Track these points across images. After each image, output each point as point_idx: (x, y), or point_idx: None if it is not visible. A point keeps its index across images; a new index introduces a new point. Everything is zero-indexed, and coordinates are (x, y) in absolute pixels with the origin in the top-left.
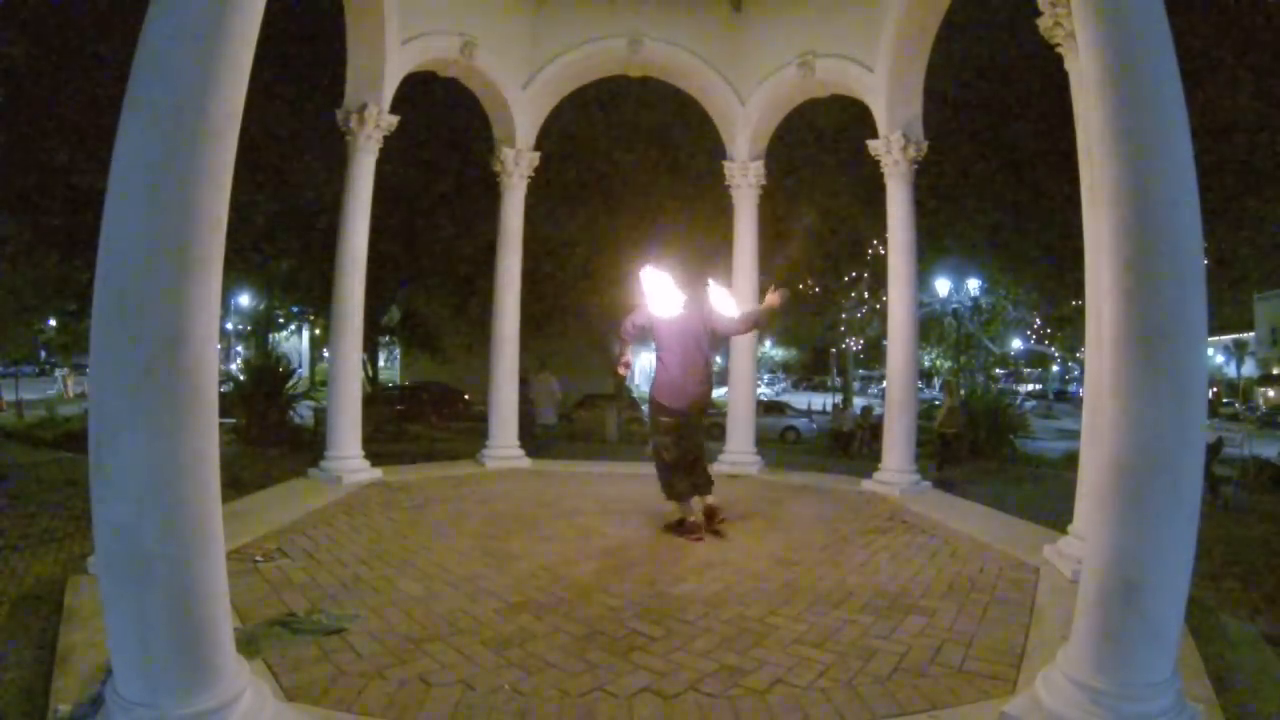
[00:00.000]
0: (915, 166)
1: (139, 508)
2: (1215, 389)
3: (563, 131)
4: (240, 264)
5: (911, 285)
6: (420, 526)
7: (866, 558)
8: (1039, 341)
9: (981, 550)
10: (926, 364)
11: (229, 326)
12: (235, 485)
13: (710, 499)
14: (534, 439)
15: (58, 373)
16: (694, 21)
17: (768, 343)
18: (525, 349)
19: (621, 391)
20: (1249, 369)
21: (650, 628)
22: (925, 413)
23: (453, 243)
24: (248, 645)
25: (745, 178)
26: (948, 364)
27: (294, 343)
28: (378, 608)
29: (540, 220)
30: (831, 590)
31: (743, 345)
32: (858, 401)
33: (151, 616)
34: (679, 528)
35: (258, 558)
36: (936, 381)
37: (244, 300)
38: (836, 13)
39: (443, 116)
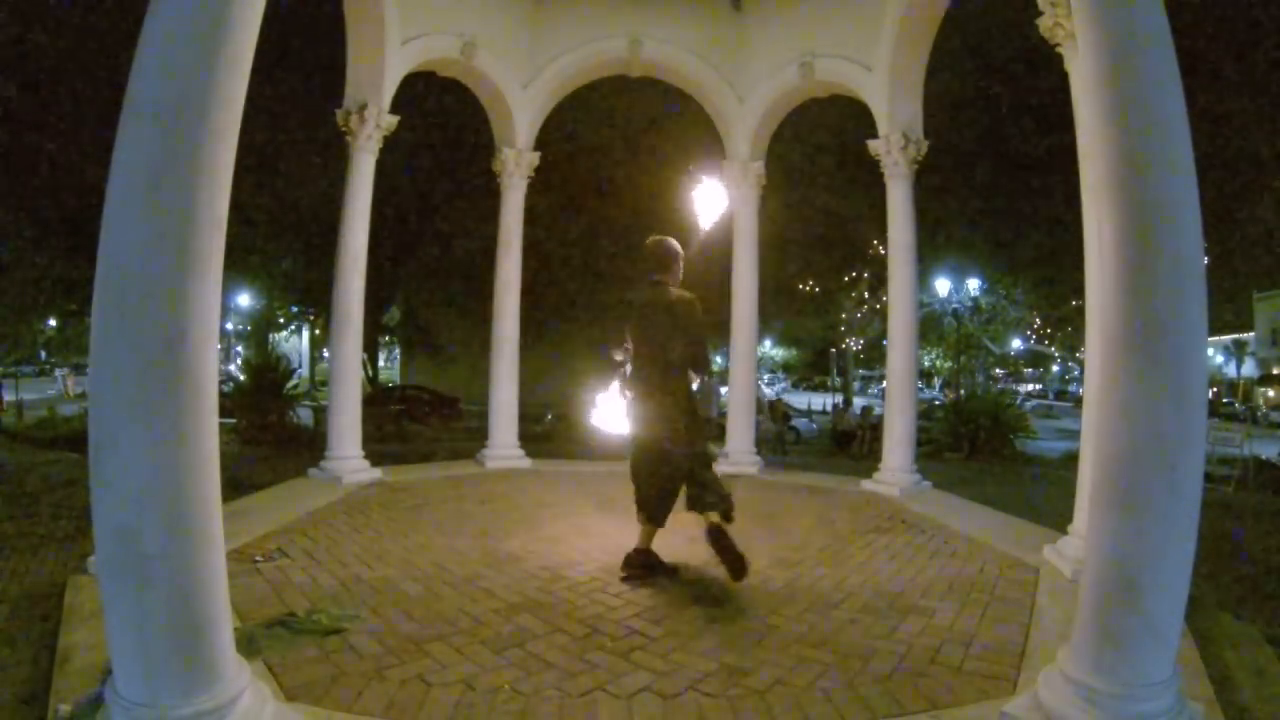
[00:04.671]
0: (915, 166)
1: (139, 508)
2: (1215, 389)
3: (563, 132)
4: (240, 264)
5: (912, 285)
6: (420, 526)
7: (866, 558)
8: (1039, 341)
9: (981, 550)
10: (927, 364)
11: (229, 326)
12: (235, 485)
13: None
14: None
15: (58, 373)
16: (694, 21)
17: (768, 343)
18: (525, 350)
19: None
20: (1249, 369)
21: (650, 628)
22: (925, 413)
23: (452, 243)
24: (248, 645)
25: (745, 178)
26: (948, 364)
27: (294, 343)
28: (378, 608)
29: (540, 220)
30: (831, 590)
31: (743, 346)
32: (858, 401)
33: (151, 617)
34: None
35: (258, 558)
36: (937, 381)
37: (244, 300)
38: (836, 13)
39: (443, 117)
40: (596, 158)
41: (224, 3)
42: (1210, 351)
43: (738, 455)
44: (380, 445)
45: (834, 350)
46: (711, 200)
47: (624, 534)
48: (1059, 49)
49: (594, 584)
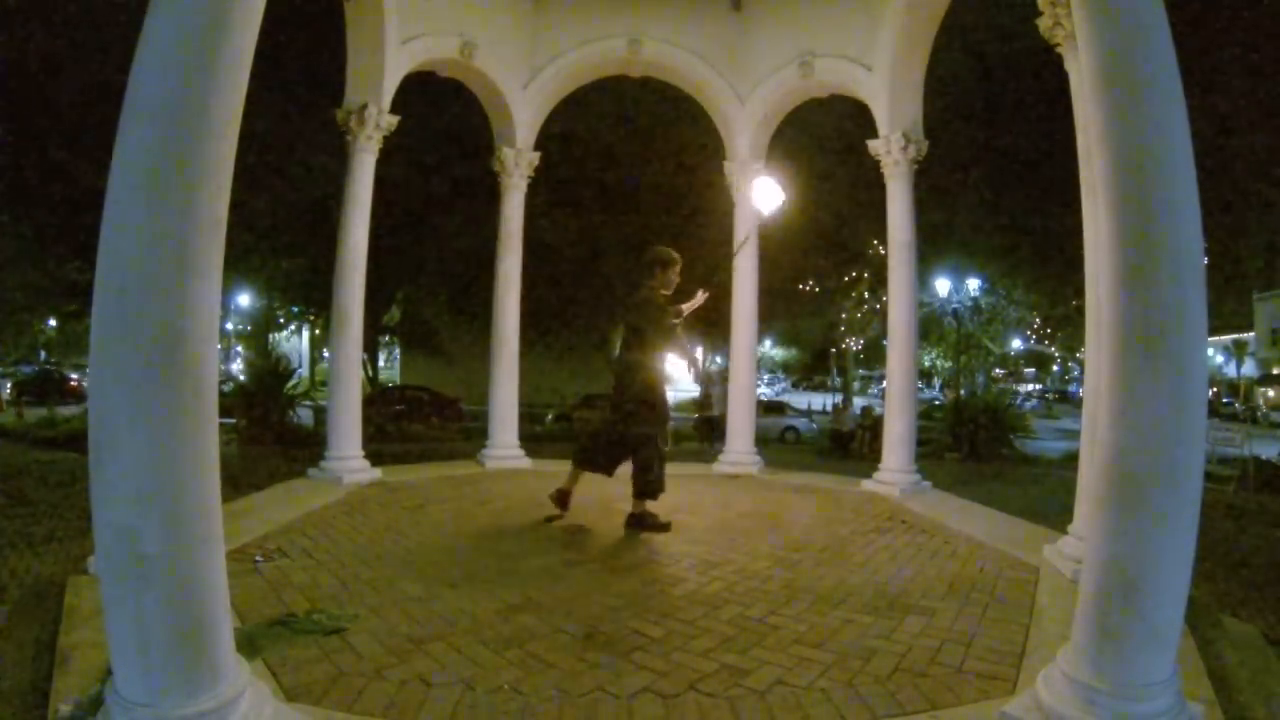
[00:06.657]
0: (915, 166)
1: (139, 508)
2: (1215, 389)
3: (563, 132)
4: (240, 264)
5: (911, 285)
6: (420, 526)
7: (866, 558)
8: (1039, 341)
9: (981, 550)
10: (927, 364)
11: (229, 326)
12: (235, 485)
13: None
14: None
15: None
16: (694, 21)
17: (767, 343)
18: (526, 351)
19: None
20: (1249, 369)
21: (650, 628)
22: (924, 413)
23: (452, 243)
24: (248, 645)
25: (746, 178)
26: (948, 364)
27: (294, 343)
28: (378, 608)
29: (539, 220)
30: (831, 590)
31: (743, 345)
32: (858, 401)
33: (151, 617)
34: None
35: (258, 558)
36: (936, 381)
37: (244, 300)
38: (836, 13)
39: (443, 116)
40: (598, 157)
41: (224, 3)
42: (1210, 351)
43: (738, 455)
44: (380, 445)
45: (834, 350)
46: (768, 193)
47: (624, 533)
48: (1058, 49)
49: (594, 584)
